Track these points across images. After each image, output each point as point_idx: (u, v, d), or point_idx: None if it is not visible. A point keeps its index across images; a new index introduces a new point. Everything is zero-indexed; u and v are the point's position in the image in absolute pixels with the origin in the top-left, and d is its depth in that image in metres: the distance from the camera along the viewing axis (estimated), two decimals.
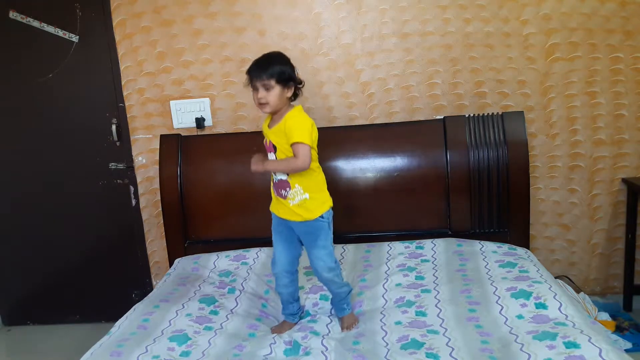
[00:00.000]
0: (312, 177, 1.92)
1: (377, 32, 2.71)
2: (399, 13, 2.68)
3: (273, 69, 1.84)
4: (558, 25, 2.62)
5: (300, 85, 1.93)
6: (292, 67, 1.90)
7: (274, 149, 1.91)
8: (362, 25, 2.71)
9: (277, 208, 1.99)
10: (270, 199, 2.03)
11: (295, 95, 1.92)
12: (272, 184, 1.99)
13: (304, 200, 1.90)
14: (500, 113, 2.61)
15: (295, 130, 1.83)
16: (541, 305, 1.89)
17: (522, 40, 2.66)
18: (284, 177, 1.91)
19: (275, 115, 1.92)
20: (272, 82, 1.83)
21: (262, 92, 1.84)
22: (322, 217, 1.92)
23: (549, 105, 2.71)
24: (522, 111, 2.62)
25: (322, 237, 1.93)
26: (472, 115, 2.63)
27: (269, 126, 1.94)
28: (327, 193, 1.99)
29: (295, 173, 1.88)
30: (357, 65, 2.75)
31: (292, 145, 1.84)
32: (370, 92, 2.77)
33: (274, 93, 1.84)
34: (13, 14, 2.81)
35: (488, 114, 2.62)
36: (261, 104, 1.86)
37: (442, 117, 2.67)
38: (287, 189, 1.91)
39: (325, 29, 2.73)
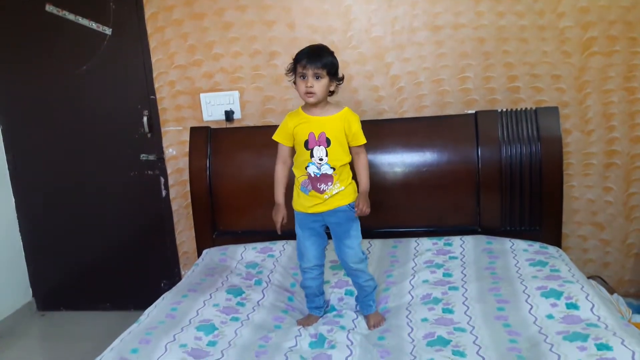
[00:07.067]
0: (348, 171, 1.95)
1: (407, 25, 2.67)
2: (431, 5, 2.64)
3: (326, 59, 1.85)
4: (596, 18, 2.54)
5: (340, 83, 1.93)
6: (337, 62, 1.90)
7: (327, 142, 1.88)
8: (393, 18, 2.68)
9: (307, 203, 1.95)
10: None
11: (332, 92, 1.92)
12: (301, 180, 1.94)
13: (339, 192, 1.92)
14: (534, 108, 2.55)
15: (360, 131, 1.91)
16: (572, 306, 1.84)
17: (558, 33, 2.58)
18: (329, 172, 1.89)
19: (314, 108, 1.90)
20: (324, 72, 1.84)
21: (311, 81, 1.83)
22: (352, 207, 1.93)
23: (584, 101, 2.63)
24: (557, 107, 2.55)
25: (354, 227, 1.95)
26: (505, 110, 2.57)
27: (312, 114, 1.90)
28: (355, 184, 1.98)
29: (341, 169, 1.90)
30: (387, 58, 2.72)
31: (359, 146, 1.93)
32: (399, 85, 2.74)
33: (323, 83, 1.84)
34: (49, 7, 2.87)
35: (521, 109, 2.56)
36: (308, 93, 1.84)
37: (473, 111, 2.63)
38: (329, 183, 1.90)
39: (355, 22, 2.71)
